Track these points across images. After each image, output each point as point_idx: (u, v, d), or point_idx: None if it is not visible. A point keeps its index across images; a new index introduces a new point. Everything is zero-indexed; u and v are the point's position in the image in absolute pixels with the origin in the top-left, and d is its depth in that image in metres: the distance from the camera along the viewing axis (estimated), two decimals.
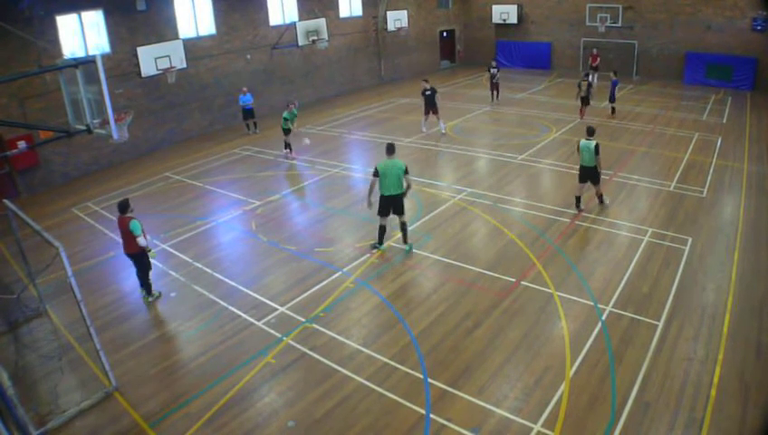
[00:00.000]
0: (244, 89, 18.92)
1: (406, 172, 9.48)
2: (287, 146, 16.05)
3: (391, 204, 9.64)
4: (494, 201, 12.06)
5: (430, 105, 17.26)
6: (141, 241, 8.38)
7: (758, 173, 13.28)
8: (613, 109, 18.97)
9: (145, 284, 8.94)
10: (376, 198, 9.67)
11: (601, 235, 10.36)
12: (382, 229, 9.96)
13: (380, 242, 10.10)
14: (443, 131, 17.63)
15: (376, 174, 9.50)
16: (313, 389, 6.75)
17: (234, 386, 6.86)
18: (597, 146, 10.75)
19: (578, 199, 11.33)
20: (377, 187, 9.57)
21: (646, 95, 22.22)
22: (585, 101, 18.34)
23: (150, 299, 8.94)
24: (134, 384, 7.04)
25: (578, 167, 11.29)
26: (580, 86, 18.23)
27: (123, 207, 8.48)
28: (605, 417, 6.04)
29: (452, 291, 8.73)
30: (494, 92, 22.16)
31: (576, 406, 6.21)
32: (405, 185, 9.54)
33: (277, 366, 7.19)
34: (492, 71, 21.71)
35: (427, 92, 17.21)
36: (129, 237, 8.46)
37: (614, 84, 18.56)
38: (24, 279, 9.11)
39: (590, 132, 11.01)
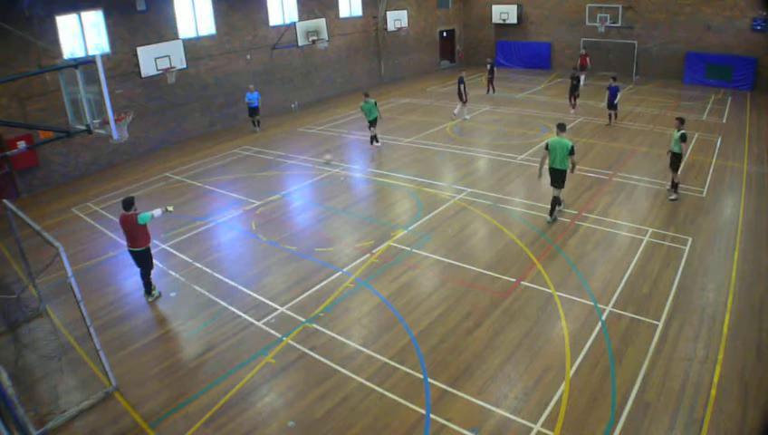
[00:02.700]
0: (252, 86, 19.02)
1: (571, 153, 10.24)
2: (373, 138, 16.59)
3: (555, 176, 10.50)
4: (494, 201, 12.06)
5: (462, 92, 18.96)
6: (157, 212, 8.51)
7: (758, 173, 13.29)
8: (614, 115, 17.91)
9: (146, 282, 8.94)
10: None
11: (601, 235, 10.36)
12: (553, 200, 10.82)
13: (551, 213, 10.90)
14: (455, 115, 19.40)
15: (546, 148, 10.49)
16: (313, 389, 6.75)
17: (234, 386, 6.86)
18: (684, 135, 11.32)
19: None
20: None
21: (646, 95, 22.22)
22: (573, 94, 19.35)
23: (150, 299, 8.95)
24: (134, 384, 7.04)
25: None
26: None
27: (128, 204, 8.49)
28: (605, 417, 6.04)
29: (452, 291, 8.73)
30: (490, 87, 23.31)
31: (576, 406, 6.21)
32: (569, 163, 10.38)
33: (277, 366, 7.19)
34: (488, 66, 23.24)
35: (462, 81, 18.93)
36: (135, 234, 8.50)
37: (613, 91, 17.25)
38: (24, 279, 9.10)
39: (682, 121, 11.51)
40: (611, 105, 17.54)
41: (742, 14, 22.49)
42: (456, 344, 7.41)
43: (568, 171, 10.52)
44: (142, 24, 17.05)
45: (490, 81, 23.24)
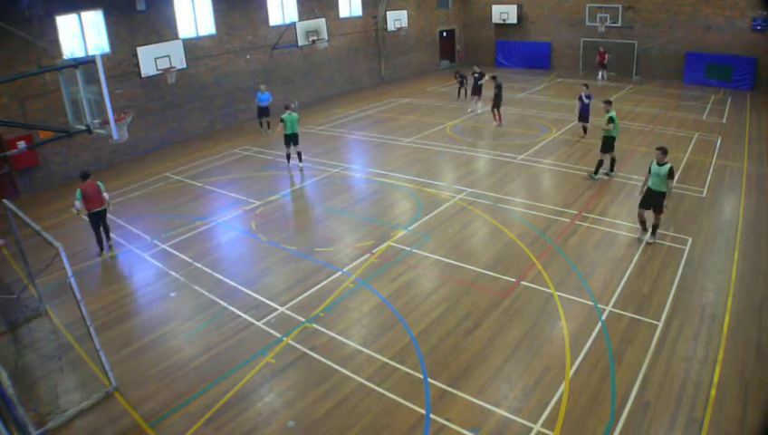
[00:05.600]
0: (263, 86, 18.77)
1: (611, 121, 12.72)
2: (298, 155, 14.84)
3: (611, 143, 13.05)
4: (494, 201, 12.06)
5: (476, 88, 19.76)
6: (106, 196, 10.23)
7: (758, 173, 13.28)
8: (585, 129, 16.29)
9: (108, 236, 10.64)
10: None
11: (601, 235, 10.36)
12: (612, 160, 13.24)
13: (611, 168, 13.30)
14: (477, 112, 19.97)
15: (612, 121, 12.64)
16: (313, 389, 6.75)
17: (234, 386, 6.86)
18: (672, 170, 9.37)
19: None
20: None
21: (646, 95, 22.22)
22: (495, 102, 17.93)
23: (110, 253, 10.60)
24: (134, 384, 7.03)
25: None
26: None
27: (87, 175, 10.18)
28: (605, 417, 6.04)
29: (452, 291, 8.73)
30: (462, 90, 23.11)
31: (576, 406, 6.21)
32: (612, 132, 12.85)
33: (277, 366, 7.19)
34: (456, 75, 23.51)
35: (475, 75, 19.70)
36: (98, 197, 10.10)
37: (586, 99, 15.56)
38: (24, 279, 9.10)
39: (665, 152, 9.50)
40: (582, 116, 15.96)
41: (742, 14, 22.50)
42: (455, 344, 7.41)
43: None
44: (142, 24, 17.05)
45: (462, 88, 22.82)
